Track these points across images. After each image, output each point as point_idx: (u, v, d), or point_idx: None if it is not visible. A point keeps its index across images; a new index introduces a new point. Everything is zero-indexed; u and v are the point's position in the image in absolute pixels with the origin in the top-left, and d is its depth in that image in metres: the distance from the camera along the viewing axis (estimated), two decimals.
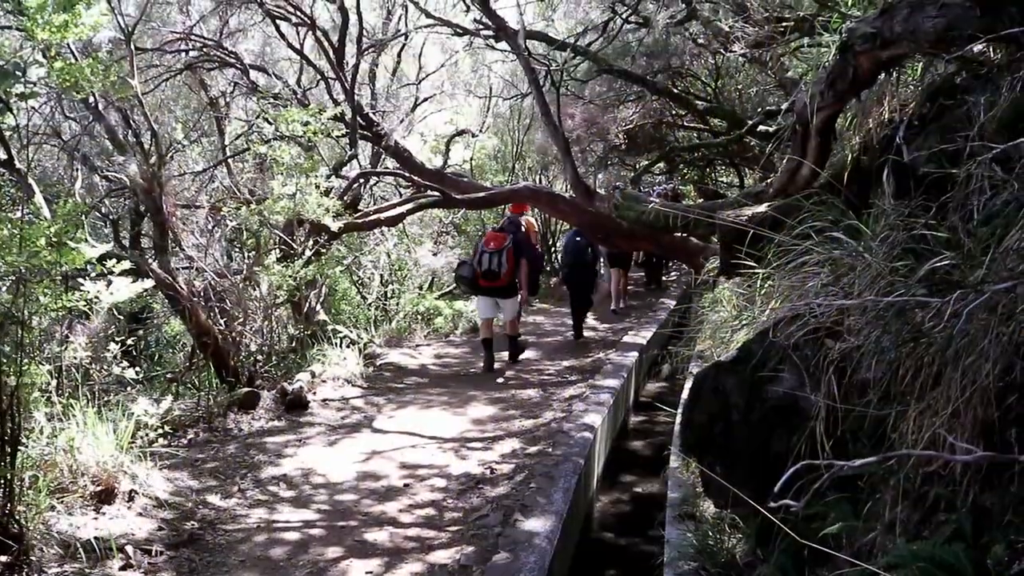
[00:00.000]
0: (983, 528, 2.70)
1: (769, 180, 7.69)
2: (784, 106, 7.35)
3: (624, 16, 14.11)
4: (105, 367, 6.99)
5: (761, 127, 13.05)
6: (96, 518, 5.09)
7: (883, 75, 5.21)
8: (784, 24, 10.51)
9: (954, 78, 4.70)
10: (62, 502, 5.01)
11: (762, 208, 5.75)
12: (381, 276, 15.49)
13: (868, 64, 4.84)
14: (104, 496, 5.28)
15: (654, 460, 7.68)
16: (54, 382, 5.95)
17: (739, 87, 17.77)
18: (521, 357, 11.03)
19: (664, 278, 20.04)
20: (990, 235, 3.07)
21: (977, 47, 4.29)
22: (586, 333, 12.85)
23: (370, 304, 14.49)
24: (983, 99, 3.69)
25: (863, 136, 5.50)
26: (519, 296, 10.68)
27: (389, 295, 15.91)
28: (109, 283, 6.70)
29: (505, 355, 10.86)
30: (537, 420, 7.91)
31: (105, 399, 6.64)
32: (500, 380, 9.94)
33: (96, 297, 6.60)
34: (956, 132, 3.84)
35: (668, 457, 6.31)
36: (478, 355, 11.12)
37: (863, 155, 5.31)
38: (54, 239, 6.38)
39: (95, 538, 4.74)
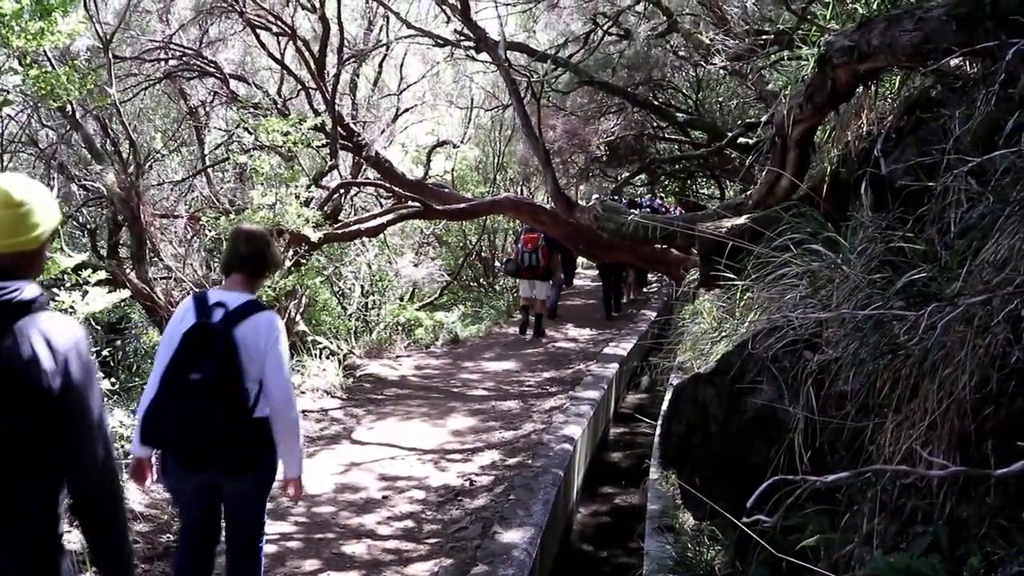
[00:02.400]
0: (959, 540, 2.70)
1: (748, 192, 7.72)
2: (764, 118, 7.38)
3: (605, 28, 14.19)
4: None
5: (741, 139, 13.11)
6: (69, 531, 5.01)
7: (861, 88, 5.24)
8: (764, 37, 10.58)
9: (931, 91, 4.73)
10: None
11: (741, 220, 5.76)
12: (362, 287, 15.44)
13: (846, 77, 4.87)
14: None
15: (634, 471, 7.67)
16: None
17: (720, 99, 17.88)
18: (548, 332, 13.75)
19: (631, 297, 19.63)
20: (967, 247, 3.09)
21: (954, 61, 4.33)
22: (566, 344, 12.89)
23: (350, 315, 14.43)
24: (959, 112, 3.71)
25: (841, 149, 5.53)
26: (553, 280, 13.80)
27: (370, 306, 15.86)
28: (85, 293, 6.65)
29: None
30: (517, 432, 7.89)
31: None
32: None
33: (71, 307, 6.54)
34: (933, 145, 3.87)
35: (648, 469, 6.31)
36: (458, 366, 11.13)
37: (841, 167, 5.34)
38: None
39: (68, 552, 4.68)
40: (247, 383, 3.59)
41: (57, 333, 2.32)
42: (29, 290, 2.31)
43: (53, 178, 11.12)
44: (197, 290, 4.30)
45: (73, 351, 2.33)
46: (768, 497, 2.60)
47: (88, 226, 13.59)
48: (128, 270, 9.49)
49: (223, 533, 3.97)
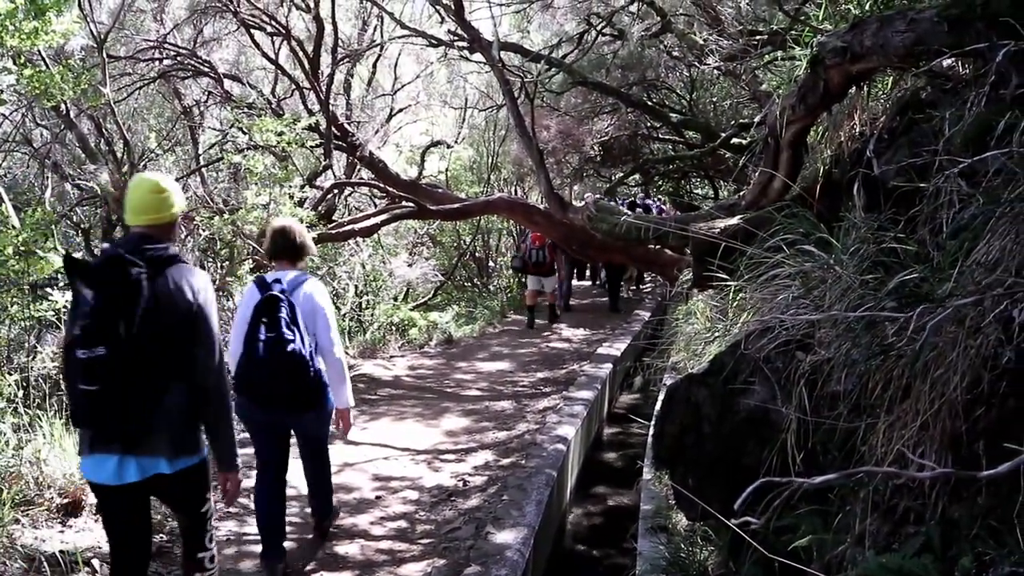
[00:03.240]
0: (951, 540, 2.71)
1: (742, 193, 7.73)
2: (757, 119, 7.40)
3: (599, 28, 14.20)
4: None
5: (735, 140, 13.14)
6: (62, 531, 5.02)
7: (853, 89, 5.26)
8: (758, 37, 10.61)
9: (923, 92, 4.75)
10: (27, 515, 4.93)
11: (734, 221, 5.77)
12: (356, 287, 15.43)
13: (838, 78, 4.88)
14: (71, 509, 5.20)
15: (627, 472, 7.68)
16: (21, 393, 5.86)
17: (714, 100, 17.92)
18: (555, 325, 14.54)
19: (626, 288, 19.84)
20: (958, 248, 3.10)
21: (946, 62, 4.34)
22: (559, 345, 12.91)
23: (344, 315, 14.41)
24: (950, 114, 3.72)
25: (834, 149, 5.55)
26: (556, 276, 14.75)
27: (364, 306, 15.85)
28: None
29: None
30: (511, 432, 7.89)
31: None
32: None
33: (65, 307, 6.53)
34: (924, 146, 3.88)
35: (641, 469, 6.31)
36: (452, 366, 11.13)
37: (834, 168, 5.36)
38: (22, 248, 6.33)
39: (60, 552, 4.67)
40: (304, 338, 4.56)
41: (192, 277, 3.43)
42: (172, 249, 3.44)
43: (47, 177, 11.12)
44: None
45: (202, 289, 3.44)
46: (760, 498, 2.61)
47: (82, 225, 13.57)
48: None
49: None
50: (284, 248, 4.87)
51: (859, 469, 2.45)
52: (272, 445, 4.89)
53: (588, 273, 21.12)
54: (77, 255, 4.05)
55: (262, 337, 4.50)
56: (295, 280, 4.76)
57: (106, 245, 3.63)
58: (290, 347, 4.48)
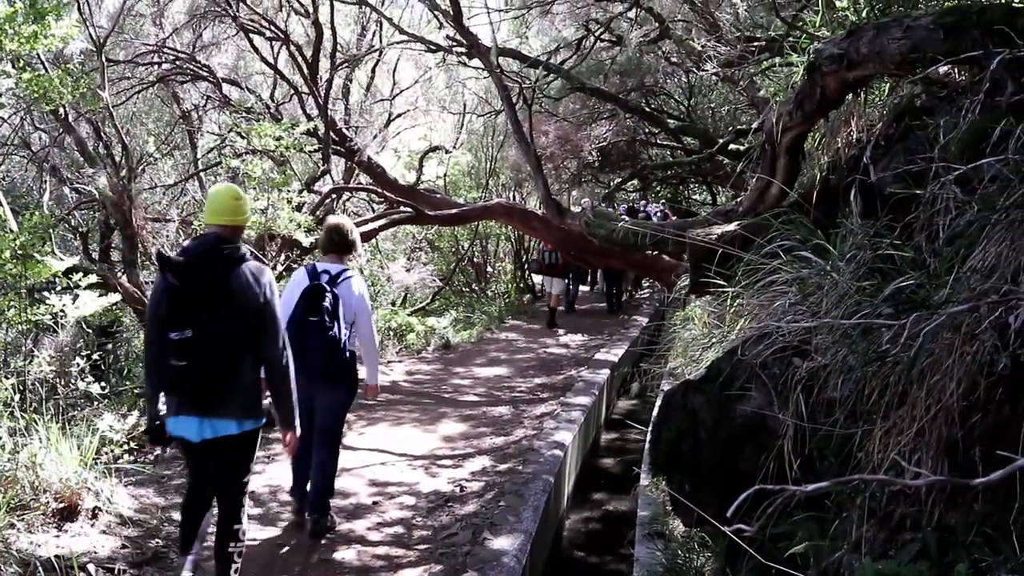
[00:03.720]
0: (948, 547, 2.71)
1: (739, 199, 7.74)
2: (755, 125, 7.41)
3: (597, 34, 14.20)
4: (71, 381, 6.90)
5: (732, 146, 13.14)
6: (58, 536, 5.01)
7: (850, 96, 5.27)
8: (755, 44, 10.62)
9: (919, 99, 4.76)
10: (22, 519, 4.91)
11: (731, 227, 5.78)
12: None
13: (835, 85, 4.89)
14: (66, 513, 5.18)
15: (625, 477, 7.68)
16: (18, 397, 5.85)
17: (712, 105, 17.93)
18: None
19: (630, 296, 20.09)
20: (954, 255, 3.10)
21: (942, 69, 4.35)
22: (558, 350, 12.92)
23: None
24: (945, 120, 3.73)
25: (831, 156, 5.56)
26: (565, 280, 16.26)
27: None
28: (75, 297, 6.64)
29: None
30: (508, 437, 7.89)
31: (71, 414, 6.54)
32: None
33: (62, 311, 6.53)
34: (921, 153, 3.89)
35: (638, 475, 6.31)
36: (450, 372, 11.14)
37: (831, 174, 5.36)
38: (20, 252, 6.33)
39: (56, 556, 4.66)
40: (343, 324, 5.27)
41: (260, 273, 4.15)
42: (243, 248, 4.17)
43: (45, 181, 11.12)
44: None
45: (268, 283, 4.16)
46: (757, 504, 2.61)
47: (80, 229, 13.57)
48: (120, 274, 9.47)
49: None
50: (336, 243, 5.56)
51: (852, 477, 2.45)
52: (303, 415, 5.03)
53: (588, 278, 21.20)
54: (73, 261, 4.21)
55: (310, 319, 5.20)
56: (341, 273, 5.41)
57: (187, 242, 4.43)
58: (330, 332, 5.19)
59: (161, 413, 4.18)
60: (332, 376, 5.34)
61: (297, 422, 4.42)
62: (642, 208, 19.87)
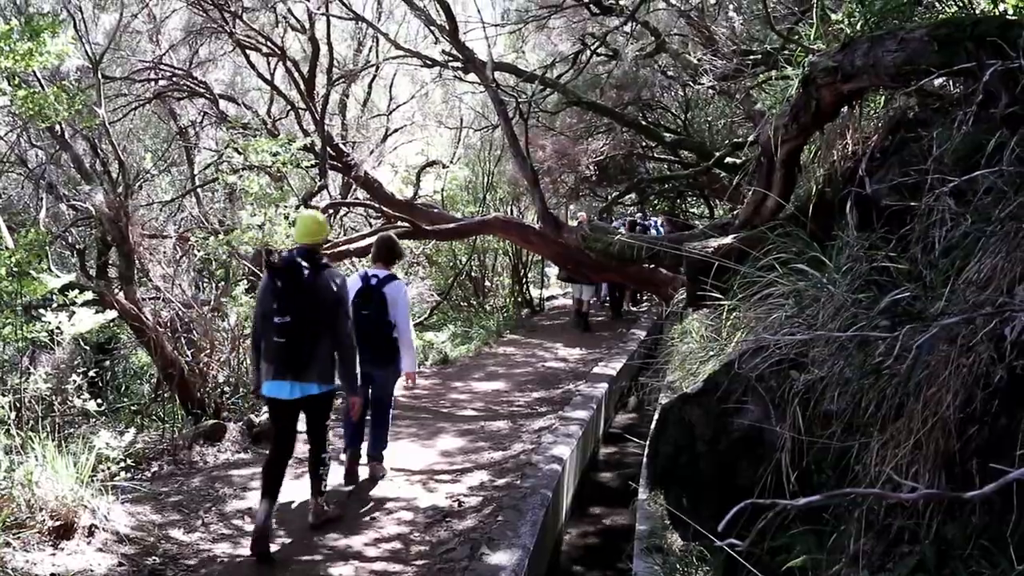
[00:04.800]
0: (946, 559, 2.70)
1: (735, 212, 7.74)
2: (751, 138, 7.42)
3: (593, 48, 14.24)
4: (68, 399, 6.89)
5: (729, 159, 13.16)
6: (54, 554, 4.99)
7: (846, 108, 5.28)
8: (751, 57, 10.64)
9: (914, 111, 4.77)
10: (18, 538, 4.89)
11: (728, 240, 5.78)
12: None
13: (830, 97, 4.90)
14: (63, 531, 5.16)
15: (623, 492, 7.64)
16: (14, 414, 5.84)
17: (708, 119, 17.97)
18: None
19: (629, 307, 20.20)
20: (950, 266, 3.10)
21: (937, 81, 4.36)
22: (556, 364, 12.91)
23: None
24: (939, 133, 3.74)
25: (827, 168, 5.57)
26: (594, 287, 17.15)
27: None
28: (72, 314, 6.62)
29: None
30: (506, 452, 7.86)
31: (67, 432, 6.53)
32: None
33: (58, 328, 6.52)
34: (916, 165, 3.89)
35: (636, 489, 6.28)
36: (448, 386, 11.12)
37: (827, 187, 5.37)
38: (16, 269, 6.32)
39: (52, 575, 4.64)
40: (389, 318, 6.71)
41: (335, 277, 5.59)
42: (324, 259, 5.64)
43: (42, 198, 11.10)
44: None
45: (342, 285, 5.62)
46: (754, 518, 2.60)
47: (77, 246, 13.54)
48: (116, 290, 9.46)
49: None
50: (383, 254, 7.03)
51: (845, 491, 2.44)
52: (363, 385, 6.55)
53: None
54: (70, 278, 4.24)
55: (363, 312, 6.51)
56: (386, 278, 6.80)
57: (284, 254, 5.94)
58: (379, 323, 6.65)
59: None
60: (383, 357, 6.73)
61: (359, 389, 5.98)
62: (640, 221, 19.87)
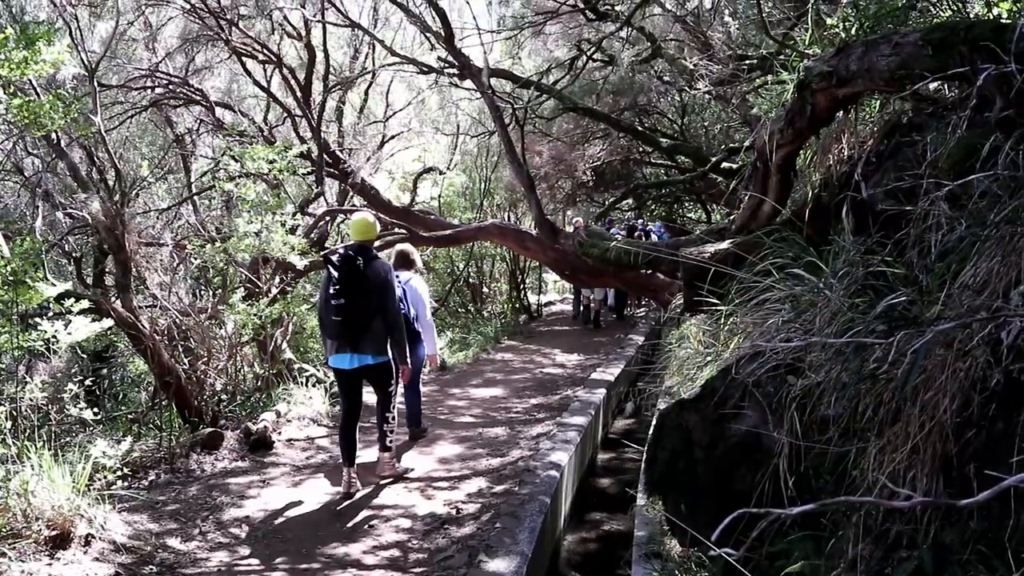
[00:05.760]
0: (943, 565, 2.69)
1: (732, 217, 7.74)
2: (747, 143, 7.43)
3: (589, 54, 14.25)
4: (64, 407, 6.87)
5: (725, 164, 13.17)
6: (50, 564, 4.97)
7: (841, 113, 5.28)
8: (747, 62, 10.67)
9: (909, 115, 4.77)
10: (14, 548, 4.87)
11: (724, 245, 5.78)
12: None
13: (825, 102, 4.91)
14: (59, 541, 5.14)
15: (621, 497, 7.63)
16: (10, 424, 5.82)
17: (705, 124, 17.99)
18: None
19: (633, 311, 20.35)
20: (946, 271, 3.10)
21: (933, 85, 4.36)
22: (554, 370, 12.89)
23: None
24: (932, 137, 3.74)
25: (823, 173, 5.57)
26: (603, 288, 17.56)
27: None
28: (68, 322, 6.60)
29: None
30: (504, 459, 7.85)
31: (64, 440, 6.50)
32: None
33: (54, 337, 6.50)
34: (911, 169, 3.89)
35: (635, 495, 6.27)
36: (446, 393, 11.09)
37: (823, 192, 5.37)
38: (12, 277, 6.30)
39: None
40: (411, 310, 7.72)
41: (384, 267, 6.67)
42: (374, 252, 6.74)
43: (38, 206, 11.10)
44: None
45: (389, 272, 6.68)
46: (751, 524, 2.59)
47: (74, 254, 13.54)
48: (113, 299, 9.45)
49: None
50: (401, 261, 8.32)
51: (839, 499, 2.43)
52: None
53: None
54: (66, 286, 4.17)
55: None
56: (408, 279, 8.02)
57: (341, 249, 6.99)
58: (404, 312, 7.45)
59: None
60: (409, 342, 7.29)
61: (408, 360, 6.90)
62: (641, 227, 19.91)
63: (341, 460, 6.88)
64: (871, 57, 4.24)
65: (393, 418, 6.96)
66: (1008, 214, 2.89)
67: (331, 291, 6.45)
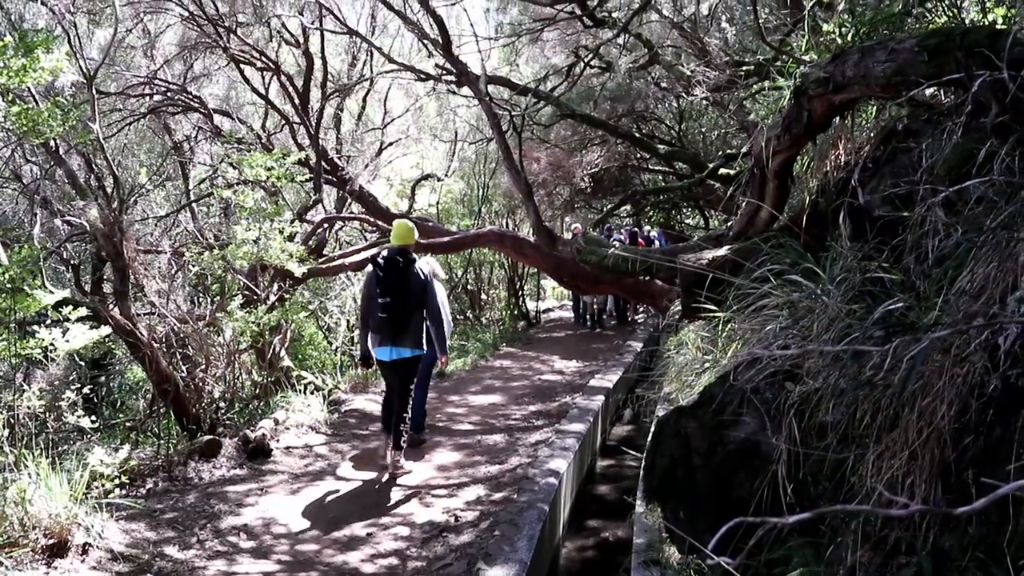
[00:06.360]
0: (942, 571, 2.69)
1: (729, 223, 7.75)
2: (744, 149, 7.44)
3: (587, 61, 14.27)
4: (62, 415, 6.85)
5: (723, 170, 13.18)
6: (47, 572, 4.96)
7: (837, 119, 5.28)
8: (744, 68, 10.69)
9: (905, 121, 4.77)
10: (11, 556, 4.86)
11: (722, 251, 5.78)
12: (348, 321, 15.38)
13: (822, 108, 4.91)
14: (56, 549, 5.13)
15: (620, 505, 7.62)
16: (7, 431, 5.81)
17: (703, 130, 18.01)
18: None
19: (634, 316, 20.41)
20: (943, 276, 3.10)
21: (929, 91, 4.37)
22: (552, 377, 12.90)
23: (336, 349, 14.37)
24: (928, 144, 3.74)
25: (820, 179, 5.57)
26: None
27: (355, 340, 15.77)
28: (66, 330, 6.59)
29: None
30: (503, 466, 7.84)
31: (62, 448, 6.49)
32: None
33: (52, 344, 6.49)
34: (908, 175, 3.90)
35: (634, 502, 6.26)
36: (444, 400, 11.09)
37: (820, 198, 5.37)
38: (10, 285, 6.29)
39: None
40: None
41: (424, 268, 7.48)
42: (413, 255, 7.45)
43: (36, 213, 11.09)
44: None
45: (429, 274, 7.50)
46: (749, 531, 2.58)
47: (72, 262, 13.52)
48: (111, 306, 9.44)
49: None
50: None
51: (835, 507, 2.43)
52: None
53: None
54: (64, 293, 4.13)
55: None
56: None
57: (385, 251, 7.40)
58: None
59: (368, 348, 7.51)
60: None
61: (448, 350, 7.92)
62: (643, 234, 19.93)
63: (382, 428, 7.91)
64: (867, 63, 4.24)
65: (409, 417, 7.57)
66: (1004, 220, 2.90)
67: (378, 290, 7.18)
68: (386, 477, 7.46)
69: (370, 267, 7.48)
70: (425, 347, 7.45)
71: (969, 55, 3.56)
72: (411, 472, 7.63)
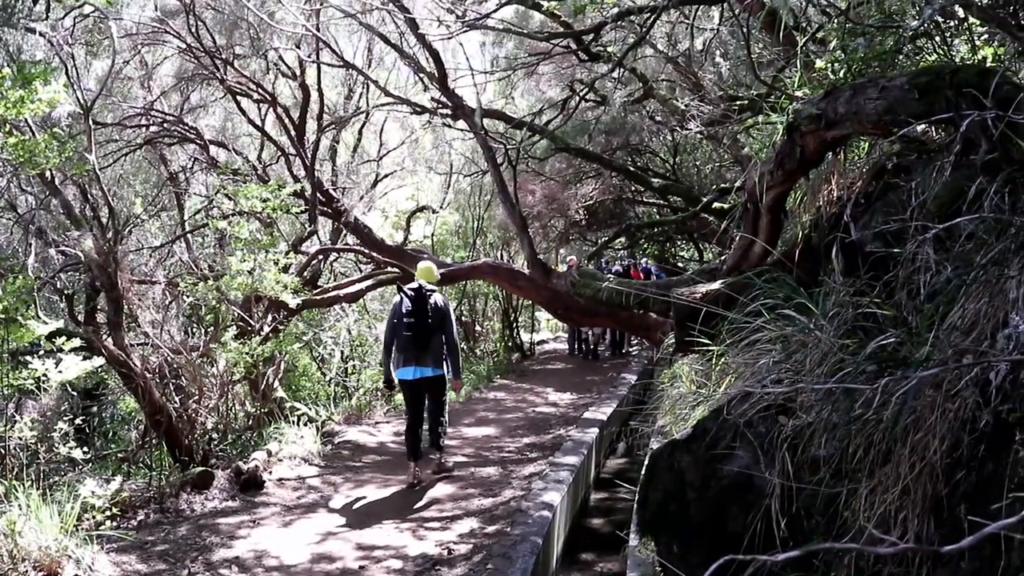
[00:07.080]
0: None
1: (723, 257, 7.78)
2: (737, 183, 7.49)
3: (582, 94, 14.37)
4: (53, 446, 6.82)
5: (716, 204, 13.25)
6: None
7: (830, 154, 5.33)
8: (738, 103, 10.78)
9: (897, 158, 4.82)
10: None
11: (716, 285, 5.81)
12: (341, 352, 15.38)
13: (814, 144, 4.96)
14: None
15: (614, 538, 7.58)
16: None
17: (697, 163, 18.11)
18: None
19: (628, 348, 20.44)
20: (934, 312, 3.12)
21: (921, 127, 4.42)
22: (546, 409, 12.86)
23: (330, 380, 14.35)
24: (916, 183, 3.78)
25: (812, 214, 5.61)
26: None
27: (349, 371, 15.78)
28: (59, 360, 6.58)
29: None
30: (496, 499, 7.81)
31: (53, 480, 6.46)
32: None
33: (44, 375, 6.48)
34: (899, 211, 3.93)
35: (627, 536, 6.24)
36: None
37: (813, 233, 5.41)
38: (2, 315, 6.29)
39: None
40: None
41: (442, 299, 8.36)
42: (437, 288, 8.53)
43: (31, 243, 11.09)
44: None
45: (446, 304, 8.43)
46: (743, 566, 2.58)
47: (66, 292, 13.49)
48: (105, 336, 9.43)
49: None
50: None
51: (823, 545, 2.43)
52: None
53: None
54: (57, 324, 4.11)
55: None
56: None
57: (415, 285, 8.24)
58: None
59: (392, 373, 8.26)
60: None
61: (462, 376, 8.80)
62: (643, 266, 19.95)
63: (408, 455, 8.36)
64: (859, 100, 4.29)
65: (446, 420, 8.55)
66: (994, 256, 2.93)
67: (405, 315, 7.99)
68: (436, 475, 8.58)
69: (397, 296, 8.30)
70: (444, 369, 8.20)
71: (959, 93, 3.61)
72: (453, 469, 8.81)
